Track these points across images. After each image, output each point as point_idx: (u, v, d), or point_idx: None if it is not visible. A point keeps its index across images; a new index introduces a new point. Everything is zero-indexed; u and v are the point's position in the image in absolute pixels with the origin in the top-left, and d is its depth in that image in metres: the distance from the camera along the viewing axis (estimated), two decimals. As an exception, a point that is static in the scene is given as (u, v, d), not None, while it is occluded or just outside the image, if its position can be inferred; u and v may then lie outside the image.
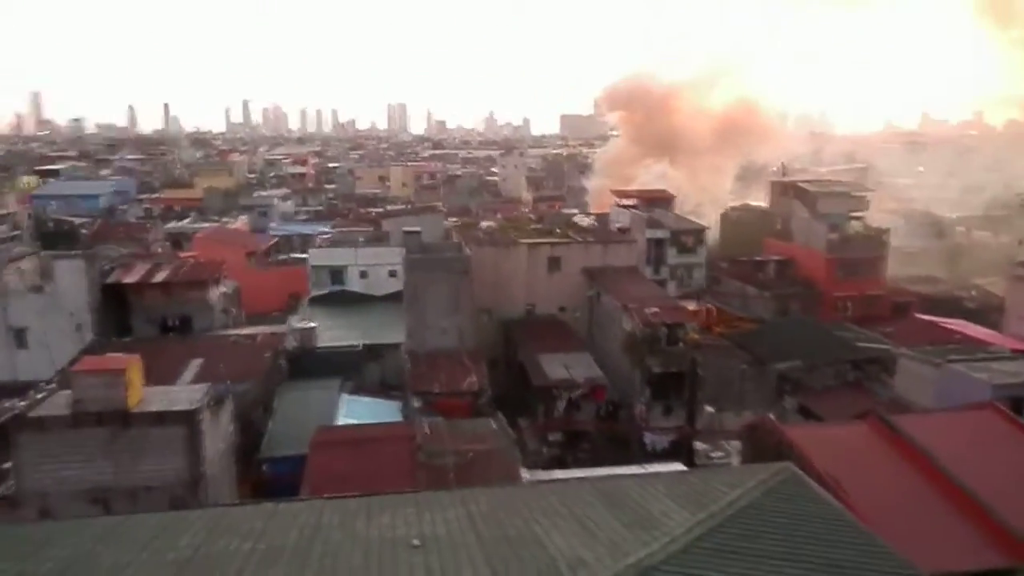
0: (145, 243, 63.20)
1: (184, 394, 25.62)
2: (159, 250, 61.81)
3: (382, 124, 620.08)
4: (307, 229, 78.64)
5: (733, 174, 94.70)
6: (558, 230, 56.28)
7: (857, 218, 60.15)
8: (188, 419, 24.04)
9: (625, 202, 68.98)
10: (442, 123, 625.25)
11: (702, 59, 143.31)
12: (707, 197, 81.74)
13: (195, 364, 34.20)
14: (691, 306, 47.50)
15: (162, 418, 23.92)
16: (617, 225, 62.43)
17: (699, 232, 60.65)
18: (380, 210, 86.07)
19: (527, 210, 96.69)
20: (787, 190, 64.07)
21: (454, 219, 74.61)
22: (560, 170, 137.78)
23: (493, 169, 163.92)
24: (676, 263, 59.73)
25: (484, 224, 58.49)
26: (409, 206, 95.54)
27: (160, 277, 40.67)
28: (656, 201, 67.17)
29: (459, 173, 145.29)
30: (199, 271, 42.59)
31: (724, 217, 74.84)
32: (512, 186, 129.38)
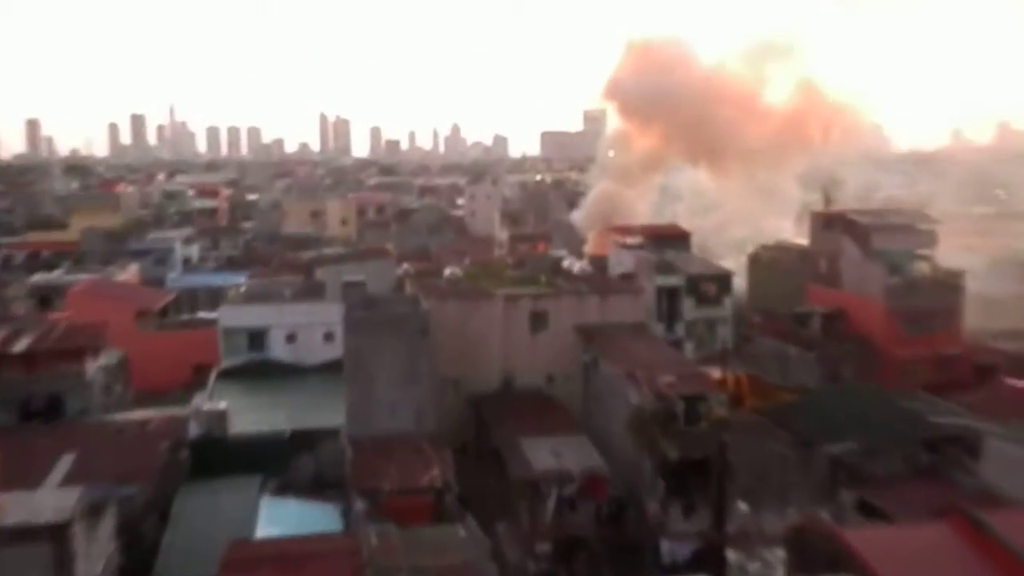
0: (2, 301, 62.53)
1: (51, 501, 25.19)
2: (20, 310, 61.13)
3: (316, 145, 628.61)
4: (218, 280, 78.38)
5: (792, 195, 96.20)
6: (543, 278, 56.58)
7: (924, 257, 61.16)
8: (56, 535, 23.57)
9: (629, 241, 69.80)
10: (394, 143, 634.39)
11: (746, 33, 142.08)
12: (749, 229, 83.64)
13: (67, 460, 33.57)
14: (716, 373, 47.65)
15: (21, 535, 23.48)
16: (619, 271, 62.98)
17: (724, 278, 61.39)
18: (313, 255, 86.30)
19: (503, 252, 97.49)
20: (833, 222, 65.15)
21: (409, 265, 74.88)
22: (544, 201, 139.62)
23: (459, 201, 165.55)
24: (695, 318, 60.23)
25: (448, 271, 58.75)
26: (351, 249, 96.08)
27: (20, 346, 40.06)
28: (667, 239, 68.08)
29: (415, 206, 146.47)
30: (73, 337, 42.07)
31: (754, 259, 76.05)
32: (483, 222, 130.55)
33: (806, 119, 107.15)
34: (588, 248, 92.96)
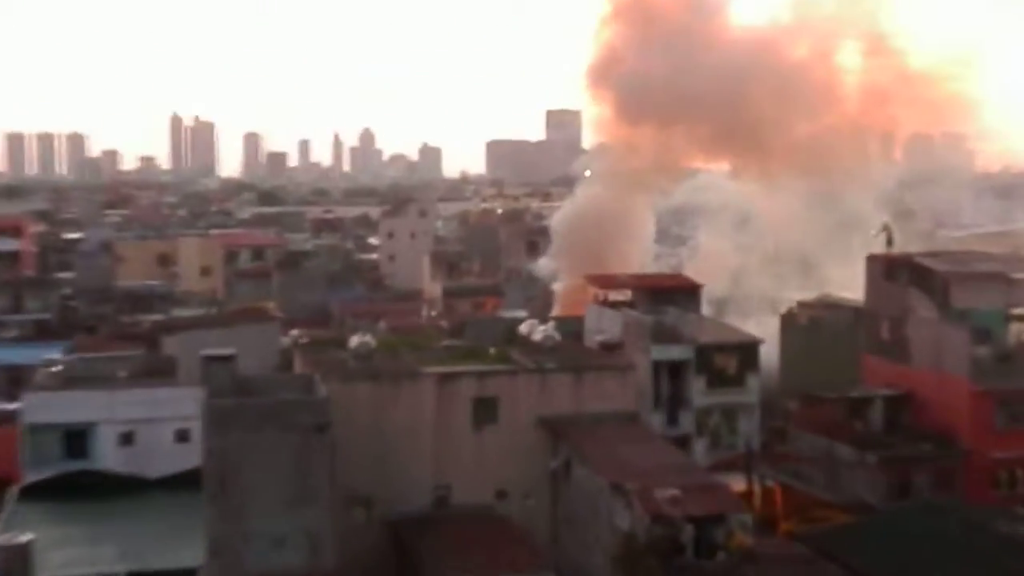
0: None
1: None
2: None
3: (166, 160, 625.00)
4: (20, 356, 77.20)
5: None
6: (492, 349, 56.43)
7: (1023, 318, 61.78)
8: None
9: (613, 296, 70.10)
10: (278, 157, 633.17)
11: None
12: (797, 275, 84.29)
13: None
14: (738, 484, 47.75)
15: None
16: (598, 338, 62.98)
17: (748, 348, 61.87)
18: (160, 319, 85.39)
19: (434, 313, 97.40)
20: (897, 269, 65.20)
21: (300, 332, 74.25)
22: (492, 240, 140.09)
23: (372, 240, 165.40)
24: (708, 405, 60.53)
25: (356, 340, 58.10)
26: (215, 310, 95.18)
27: None
28: (667, 292, 68.56)
29: (308, 248, 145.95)
30: None
31: (789, 321, 76.63)
32: (406, 270, 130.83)
33: (884, 103, 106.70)
34: (557, 307, 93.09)
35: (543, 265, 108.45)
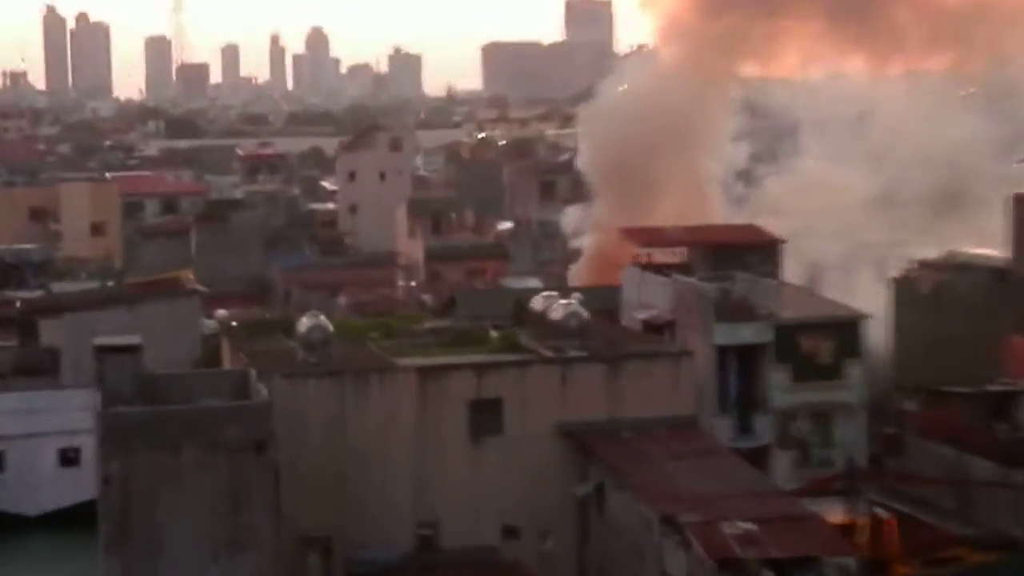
0: None
1: None
2: None
3: (40, 76, 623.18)
4: None
5: None
6: (494, 333, 56.40)
7: None
8: None
9: (661, 256, 69.99)
10: (196, 70, 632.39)
11: None
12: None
13: None
14: (835, 513, 47.68)
15: None
16: (641, 315, 62.98)
17: (848, 327, 61.79)
18: (36, 295, 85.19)
19: (413, 284, 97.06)
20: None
21: (229, 312, 74.23)
22: (493, 181, 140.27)
23: (326, 184, 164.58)
24: (793, 404, 60.48)
25: (306, 322, 58.03)
26: (111, 283, 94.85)
27: None
28: (735, 250, 68.44)
29: (239, 195, 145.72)
30: None
31: (905, 288, 76.08)
32: (375, 223, 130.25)
33: None
34: (583, 273, 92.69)
35: (570, 217, 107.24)
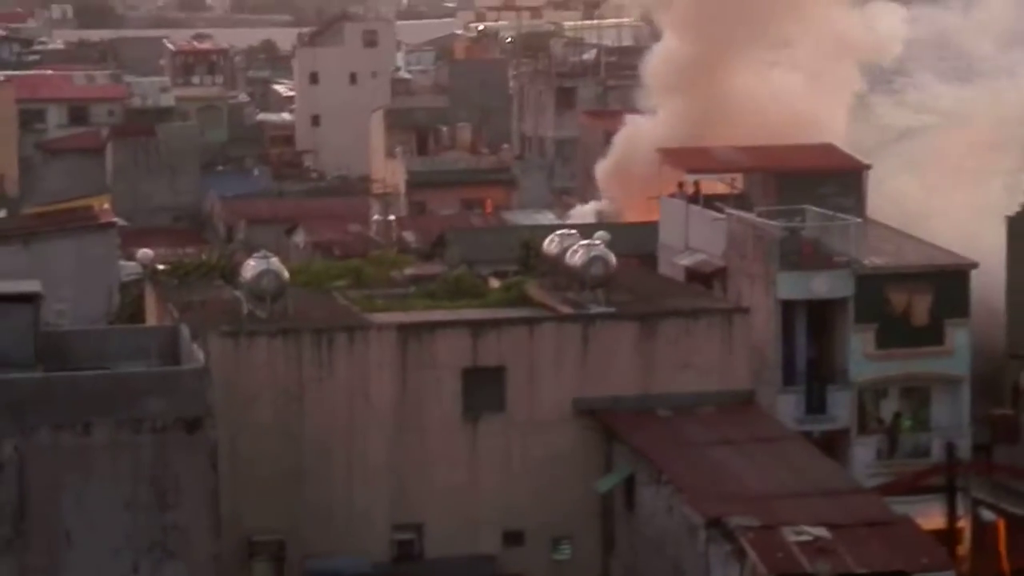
0: None
1: None
2: None
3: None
4: None
5: None
6: (495, 282, 56.33)
7: None
8: None
9: (710, 186, 69.92)
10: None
11: None
12: None
13: None
14: (933, 515, 47.74)
15: None
16: (684, 260, 62.99)
17: (951, 278, 61.69)
18: None
19: (393, 218, 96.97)
20: None
21: (152, 253, 74.22)
22: (496, 87, 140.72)
23: (281, 87, 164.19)
24: (879, 376, 60.63)
25: (254, 265, 57.85)
26: (3, 212, 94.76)
27: None
28: (808, 178, 68.31)
29: (169, 103, 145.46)
30: None
31: (1016, 225, 75.90)
32: (343, 139, 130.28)
33: None
34: (610, 204, 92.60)
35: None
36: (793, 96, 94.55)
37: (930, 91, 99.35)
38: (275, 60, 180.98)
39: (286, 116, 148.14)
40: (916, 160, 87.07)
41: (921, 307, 60.63)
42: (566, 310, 51.56)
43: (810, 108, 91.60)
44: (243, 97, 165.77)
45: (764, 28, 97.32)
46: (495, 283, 56.30)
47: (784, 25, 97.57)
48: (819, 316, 60.12)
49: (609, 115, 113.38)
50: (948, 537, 47.65)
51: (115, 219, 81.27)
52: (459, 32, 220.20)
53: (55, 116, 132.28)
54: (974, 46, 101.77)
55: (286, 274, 53.06)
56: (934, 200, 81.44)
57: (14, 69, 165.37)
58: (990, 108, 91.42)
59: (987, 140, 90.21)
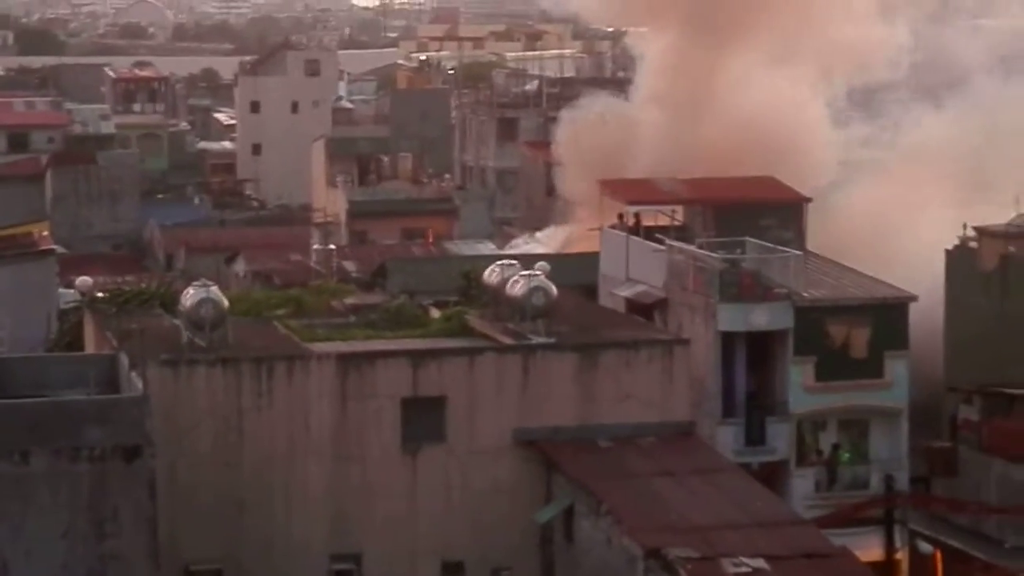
0: None
1: None
2: None
3: None
4: None
5: None
6: (436, 312, 56.38)
7: None
8: None
9: (651, 217, 70.03)
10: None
11: None
12: None
13: None
14: (869, 549, 47.90)
15: None
16: (625, 292, 63.02)
17: (890, 310, 62.06)
18: None
19: (333, 247, 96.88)
20: None
21: (91, 280, 74.05)
22: (438, 117, 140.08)
23: (222, 116, 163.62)
24: (818, 408, 60.89)
25: (194, 294, 57.86)
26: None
27: None
28: (747, 208, 68.54)
29: (110, 130, 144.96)
30: None
31: (959, 263, 76.08)
32: (284, 169, 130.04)
33: None
34: (557, 236, 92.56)
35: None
36: (776, 108, 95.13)
37: (902, 116, 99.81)
38: (216, 88, 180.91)
39: (227, 144, 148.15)
40: (869, 189, 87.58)
41: (860, 340, 60.84)
42: (507, 340, 51.47)
43: (791, 119, 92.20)
44: (184, 125, 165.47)
45: (757, 35, 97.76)
46: (436, 313, 56.29)
47: (775, 33, 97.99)
48: (759, 348, 60.30)
49: (550, 146, 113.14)
50: (886, 569, 47.82)
51: (54, 246, 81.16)
52: (401, 62, 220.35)
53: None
54: (966, 70, 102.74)
55: (226, 303, 53.01)
56: (885, 228, 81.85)
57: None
58: (957, 138, 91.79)
59: (945, 172, 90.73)
